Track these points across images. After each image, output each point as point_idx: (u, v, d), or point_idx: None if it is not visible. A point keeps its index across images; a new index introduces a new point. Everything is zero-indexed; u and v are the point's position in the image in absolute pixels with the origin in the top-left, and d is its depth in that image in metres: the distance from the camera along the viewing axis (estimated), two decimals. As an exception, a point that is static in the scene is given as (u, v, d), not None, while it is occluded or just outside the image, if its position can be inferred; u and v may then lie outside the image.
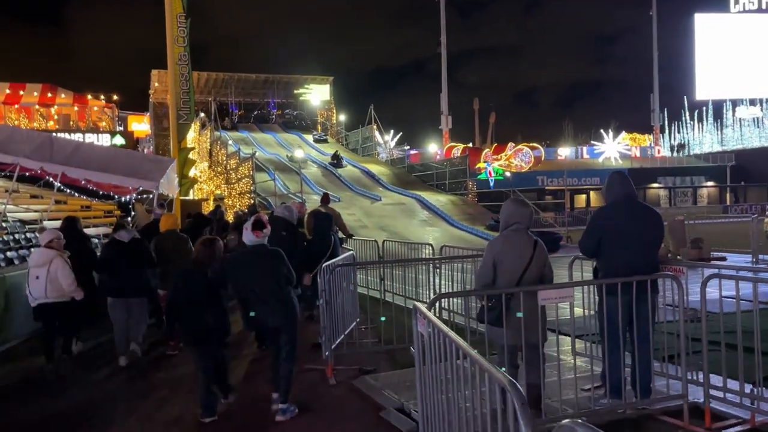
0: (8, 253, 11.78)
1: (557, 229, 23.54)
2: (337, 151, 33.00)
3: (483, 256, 4.60)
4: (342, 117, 48.41)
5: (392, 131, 46.15)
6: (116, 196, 17.09)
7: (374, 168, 32.65)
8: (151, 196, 15.23)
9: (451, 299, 8.48)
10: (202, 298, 4.99)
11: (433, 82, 68.97)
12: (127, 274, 6.74)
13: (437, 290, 8.58)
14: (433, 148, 45.98)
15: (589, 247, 4.68)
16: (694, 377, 4.66)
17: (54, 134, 18.15)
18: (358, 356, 6.64)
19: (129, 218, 13.79)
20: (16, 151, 14.66)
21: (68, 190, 18.80)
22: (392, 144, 41.28)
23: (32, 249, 11.06)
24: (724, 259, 13.76)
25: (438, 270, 8.60)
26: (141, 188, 15.32)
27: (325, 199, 11.60)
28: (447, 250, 9.13)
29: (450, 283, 8.81)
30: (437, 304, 4.44)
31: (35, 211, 16.92)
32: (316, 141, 41.62)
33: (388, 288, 10.52)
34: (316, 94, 48.67)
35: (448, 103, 61.68)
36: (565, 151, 57.20)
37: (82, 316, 7.25)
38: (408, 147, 34.68)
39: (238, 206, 22.70)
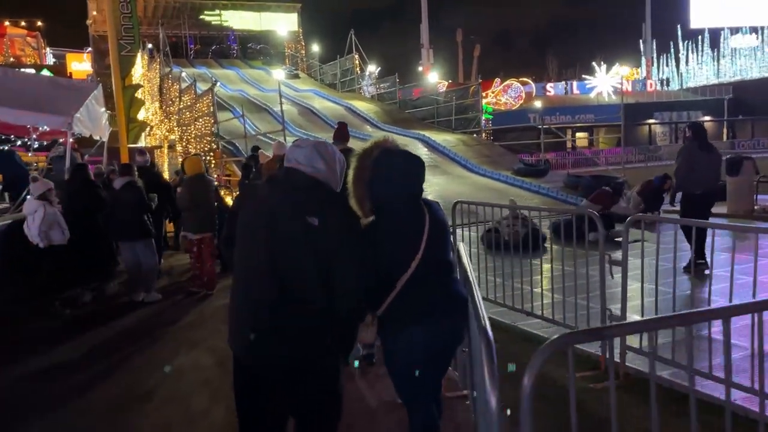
0: None
1: (604, 169, 19.06)
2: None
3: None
4: (315, 49, 42.79)
5: (371, 66, 40.85)
6: (18, 140, 11.88)
7: (360, 104, 27.47)
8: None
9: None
10: None
11: (411, 23, 63.32)
12: (123, 218, 7.36)
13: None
14: (421, 85, 40.92)
15: None
16: None
17: None
18: None
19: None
20: None
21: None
22: (375, 76, 35.99)
23: None
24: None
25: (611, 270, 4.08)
26: (45, 127, 10.29)
27: (343, 133, 6.74)
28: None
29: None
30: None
31: None
32: (287, 77, 36.13)
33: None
34: (283, 24, 42.67)
35: (429, 38, 56.09)
36: (554, 87, 53.30)
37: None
38: (398, 80, 29.41)
39: (192, 151, 17.61)
